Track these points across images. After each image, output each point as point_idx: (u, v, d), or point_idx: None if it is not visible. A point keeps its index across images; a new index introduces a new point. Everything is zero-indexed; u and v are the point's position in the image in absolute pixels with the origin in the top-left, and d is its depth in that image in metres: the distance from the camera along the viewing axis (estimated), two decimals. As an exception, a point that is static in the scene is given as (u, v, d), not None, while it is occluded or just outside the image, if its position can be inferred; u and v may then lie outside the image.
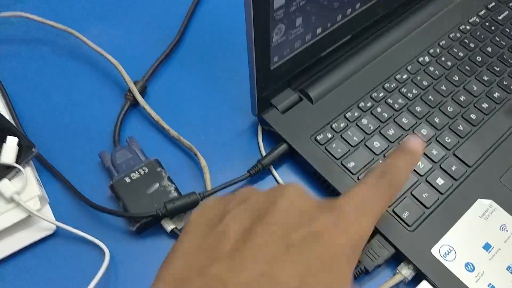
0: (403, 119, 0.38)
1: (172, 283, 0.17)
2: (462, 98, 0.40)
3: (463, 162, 0.36)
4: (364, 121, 0.38)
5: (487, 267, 0.31)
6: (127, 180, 0.33)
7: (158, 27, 0.46)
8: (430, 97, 0.40)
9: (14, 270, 0.32)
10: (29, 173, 0.34)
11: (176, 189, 0.34)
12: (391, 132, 0.38)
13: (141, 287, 0.31)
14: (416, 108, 0.39)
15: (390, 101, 0.40)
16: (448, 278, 0.31)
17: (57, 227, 0.33)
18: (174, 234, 0.33)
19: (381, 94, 0.40)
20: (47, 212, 0.34)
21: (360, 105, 0.39)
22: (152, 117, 0.38)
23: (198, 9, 0.48)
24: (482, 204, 0.34)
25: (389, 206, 0.33)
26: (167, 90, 0.42)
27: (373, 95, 0.40)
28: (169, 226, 0.33)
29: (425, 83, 0.41)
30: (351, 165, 0.35)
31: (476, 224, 0.33)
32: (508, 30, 0.45)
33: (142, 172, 0.34)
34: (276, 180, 0.37)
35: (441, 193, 0.35)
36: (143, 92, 0.40)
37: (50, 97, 0.41)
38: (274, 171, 0.37)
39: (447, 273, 0.31)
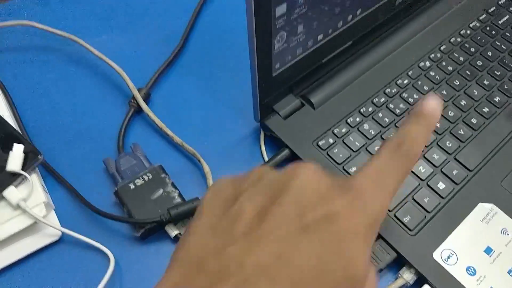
0: (404, 124, 0.39)
1: (188, 265, 0.16)
2: (463, 102, 0.40)
3: (464, 166, 0.37)
4: (366, 126, 0.39)
5: (488, 271, 0.32)
6: (132, 186, 0.34)
7: (161, 34, 0.46)
8: (431, 101, 0.40)
9: (20, 276, 0.32)
10: (35, 180, 0.34)
11: (180, 195, 0.34)
12: (392, 137, 0.38)
13: (146, 292, 0.31)
14: (417, 113, 0.40)
15: (391, 106, 0.40)
16: (449, 282, 0.31)
17: (63, 233, 0.33)
18: (177, 240, 0.33)
19: (382, 99, 0.40)
20: (53, 218, 0.34)
21: (362, 110, 0.39)
22: (156, 124, 0.39)
23: (201, 16, 0.48)
24: (483, 208, 0.35)
25: (390, 211, 0.34)
26: (171, 96, 0.42)
27: (374, 100, 0.40)
28: (173, 231, 0.33)
29: (426, 88, 0.41)
30: (353, 170, 0.36)
31: (477, 228, 0.34)
32: (509, 34, 0.46)
33: (146, 178, 0.34)
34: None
35: (442, 198, 0.35)
36: (147, 99, 0.41)
37: (55, 104, 0.41)
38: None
39: (449, 277, 0.31)
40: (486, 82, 0.42)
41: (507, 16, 0.47)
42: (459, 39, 0.45)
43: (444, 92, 0.41)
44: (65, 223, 0.34)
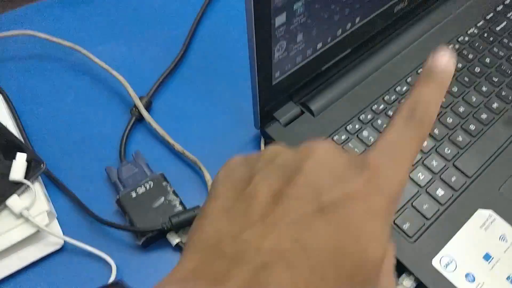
0: (403, 131, 0.39)
1: (204, 249, 0.16)
2: (461, 109, 0.41)
3: (463, 172, 0.37)
4: (365, 133, 0.39)
5: (487, 278, 0.32)
6: (133, 194, 0.34)
7: (162, 43, 0.47)
8: (429, 108, 0.41)
9: (22, 285, 0.33)
10: (37, 188, 0.34)
11: (181, 203, 0.34)
12: (391, 144, 0.38)
13: (148, 300, 0.32)
14: (416, 119, 0.40)
15: (390, 113, 0.40)
16: (449, 289, 0.31)
17: (65, 241, 0.34)
18: (179, 248, 0.34)
19: (382, 106, 0.41)
20: (55, 227, 0.34)
21: (361, 117, 0.40)
22: (158, 132, 0.39)
23: (201, 25, 0.49)
24: (482, 215, 0.35)
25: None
26: (172, 105, 0.43)
27: (373, 107, 0.40)
28: (174, 240, 0.33)
29: (424, 94, 0.42)
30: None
31: (476, 235, 0.34)
32: (506, 41, 0.46)
33: (148, 187, 0.35)
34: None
35: (441, 204, 0.35)
36: (148, 107, 0.41)
37: (58, 113, 0.42)
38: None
39: (448, 284, 0.31)
40: (484, 89, 0.42)
41: (505, 23, 0.48)
42: (457, 46, 0.46)
43: (442, 98, 0.41)
44: (68, 231, 0.34)
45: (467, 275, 0.32)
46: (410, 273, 0.32)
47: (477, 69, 0.44)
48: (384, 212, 0.17)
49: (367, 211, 0.16)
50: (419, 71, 0.43)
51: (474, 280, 0.32)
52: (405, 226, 0.34)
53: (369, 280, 0.16)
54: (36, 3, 0.49)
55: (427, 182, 0.36)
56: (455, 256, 0.33)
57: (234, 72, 0.44)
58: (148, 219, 0.33)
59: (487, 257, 0.33)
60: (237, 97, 0.43)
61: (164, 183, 0.35)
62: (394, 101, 0.41)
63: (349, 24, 0.39)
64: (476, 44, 0.46)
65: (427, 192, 0.36)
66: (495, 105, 0.41)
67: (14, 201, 0.33)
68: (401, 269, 0.32)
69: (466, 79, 0.43)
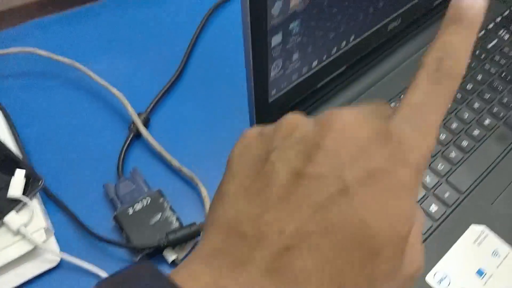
0: (397, 147, 0.40)
1: (225, 230, 0.16)
2: (454, 125, 0.42)
3: (456, 188, 0.38)
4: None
5: (480, 294, 0.32)
6: (130, 211, 0.35)
7: (161, 59, 0.47)
8: (423, 125, 0.41)
9: (20, 301, 0.33)
10: (35, 205, 0.35)
11: (178, 219, 0.35)
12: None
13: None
14: (410, 136, 0.41)
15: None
16: (443, 305, 0.32)
17: (62, 258, 0.34)
18: (175, 265, 0.34)
19: (376, 123, 0.41)
20: (52, 243, 0.35)
21: (356, 133, 0.40)
22: (155, 149, 0.39)
23: (199, 42, 0.49)
24: (475, 230, 0.36)
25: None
26: (170, 120, 0.43)
27: (368, 123, 0.41)
28: (170, 256, 0.34)
29: (418, 111, 0.42)
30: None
31: (469, 250, 0.34)
32: (498, 58, 0.47)
33: (145, 203, 0.35)
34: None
35: (434, 220, 0.36)
36: (146, 124, 0.41)
37: (56, 129, 0.42)
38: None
39: (442, 300, 0.32)
40: (476, 106, 0.43)
41: (496, 40, 0.49)
42: (449, 63, 0.47)
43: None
44: (65, 247, 0.35)
45: (460, 291, 0.32)
46: (404, 289, 0.32)
47: (469, 86, 0.45)
48: (410, 184, 0.16)
49: (392, 187, 0.15)
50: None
51: (467, 296, 0.32)
52: (400, 242, 0.34)
53: (395, 256, 0.15)
54: (36, 20, 0.50)
55: (421, 198, 0.37)
56: (449, 272, 0.33)
57: (231, 88, 0.45)
58: (145, 235, 0.33)
59: (480, 272, 0.33)
60: (235, 113, 0.43)
61: (161, 200, 0.35)
62: (388, 118, 0.42)
63: (344, 42, 0.40)
64: (468, 62, 0.47)
65: (421, 208, 0.36)
66: (487, 122, 0.42)
67: (12, 218, 0.33)
68: (395, 285, 0.33)
69: (459, 95, 0.44)
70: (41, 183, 0.35)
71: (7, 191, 0.34)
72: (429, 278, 0.33)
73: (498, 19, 0.51)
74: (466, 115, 0.42)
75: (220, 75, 0.46)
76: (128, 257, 0.35)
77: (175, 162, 0.38)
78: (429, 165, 0.39)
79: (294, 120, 0.18)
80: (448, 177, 0.38)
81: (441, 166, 0.39)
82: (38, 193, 0.36)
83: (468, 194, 0.37)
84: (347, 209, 0.15)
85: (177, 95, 0.45)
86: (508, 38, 0.49)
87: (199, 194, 0.38)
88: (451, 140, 0.41)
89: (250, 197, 0.16)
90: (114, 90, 0.42)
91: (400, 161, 0.16)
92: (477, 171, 0.39)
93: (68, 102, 0.44)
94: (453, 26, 0.17)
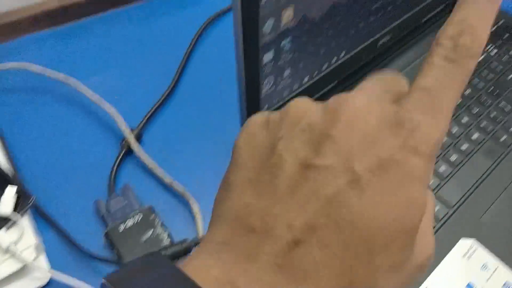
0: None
1: (233, 223, 0.15)
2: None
3: (445, 202, 0.38)
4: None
5: (470, 309, 0.33)
6: (122, 228, 0.34)
7: (154, 74, 0.48)
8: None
9: (9, 320, 0.32)
10: (26, 222, 0.34)
11: (169, 236, 0.35)
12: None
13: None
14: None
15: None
16: (433, 321, 0.32)
17: (52, 276, 0.33)
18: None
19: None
20: (43, 261, 0.34)
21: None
22: (147, 164, 0.39)
23: (193, 56, 0.50)
24: (464, 244, 0.36)
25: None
26: (163, 135, 0.43)
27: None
28: (163, 273, 0.33)
29: (407, 125, 0.43)
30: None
31: (459, 265, 0.35)
32: (485, 74, 0.48)
33: (136, 220, 0.35)
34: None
35: (425, 235, 0.36)
36: (139, 139, 0.42)
37: (48, 145, 0.42)
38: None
39: (433, 315, 0.32)
40: (464, 120, 0.44)
41: (484, 55, 0.50)
42: (438, 78, 0.47)
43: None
44: (55, 265, 0.34)
45: (450, 306, 0.33)
46: (395, 304, 0.33)
47: (458, 101, 0.45)
48: (422, 173, 0.15)
49: (403, 177, 0.15)
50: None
51: (457, 311, 0.33)
52: (390, 257, 0.34)
53: (405, 247, 0.15)
54: (29, 35, 0.50)
55: (411, 213, 0.37)
56: (439, 287, 0.33)
57: (224, 104, 0.45)
58: (136, 252, 0.33)
59: (469, 287, 0.34)
60: (228, 129, 0.43)
61: (153, 216, 0.35)
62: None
63: (335, 58, 0.41)
64: (456, 76, 0.47)
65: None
66: (475, 136, 0.43)
67: (2, 236, 0.33)
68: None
69: (447, 110, 0.44)
70: (32, 200, 0.35)
71: (-3, 208, 0.34)
72: (420, 293, 0.33)
73: (485, 34, 0.52)
74: (454, 130, 0.43)
75: (213, 90, 0.47)
76: (120, 274, 0.34)
77: (167, 178, 0.38)
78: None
79: (301, 106, 0.17)
80: (437, 192, 0.39)
81: (430, 180, 0.39)
82: (28, 210, 0.36)
83: (457, 208, 0.38)
84: (357, 202, 0.15)
85: (170, 110, 0.45)
86: (495, 53, 0.50)
87: (191, 210, 0.38)
88: (440, 154, 0.41)
89: (257, 189, 0.16)
90: (107, 105, 0.42)
91: (412, 149, 0.15)
92: (466, 185, 0.39)
93: (60, 117, 0.44)
94: (472, 2, 0.16)
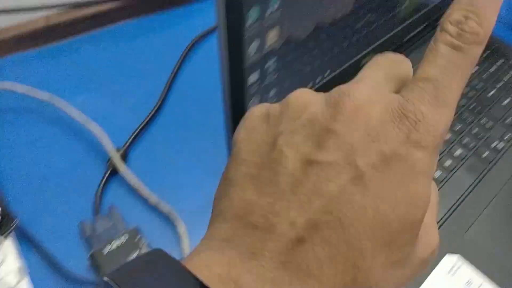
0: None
1: (234, 220, 0.15)
2: (426, 156, 0.43)
3: (430, 219, 0.39)
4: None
5: (455, 326, 0.33)
6: (107, 250, 0.34)
7: (140, 93, 0.48)
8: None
9: None
10: (9, 245, 0.34)
11: (156, 256, 0.34)
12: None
13: None
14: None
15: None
16: (419, 339, 0.32)
17: (36, 299, 0.33)
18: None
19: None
20: (26, 285, 0.34)
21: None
22: (133, 184, 0.39)
23: (179, 75, 0.50)
24: (449, 260, 0.36)
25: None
26: (149, 155, 0.43)
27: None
28: (149, 295, 0.33)
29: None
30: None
31: (444, 281, 0.35)
32: (467, 91, 0.49)
33: (122, 242, 0.35)
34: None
35: (410, 252, 0.36)
36: (125, 158, 0.41)
37: (32, 166, 0.41)
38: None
39: (419, 333, 0.32)
40: (446, 137, 0.45)
41: (464, 72, 0.51)
42: (421, 95, 0.48)
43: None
44: (39, 288, 0.34)
45: (436, 324, 0.33)
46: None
47: (440, 117, 0.46)
48: (426, 167, 0.15)
49: (407, 172, 0.15)
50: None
51: (443, 328, 0.33)
52: (377, 275, 0.35)
53: (409, 242, 0.15)
54: (13, 55, 0.50)
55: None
56: (425, 304, 0.34)
57: (211, 123, 0.45)
58: (123, 274, 0.33)
59: (455, 304, 0.34)
60: (213, 148, 0.43)
61: (138, 237, 0.35)
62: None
63: (320, 77, 0.42)
64: (439, 93, 0.48)
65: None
66: (457, 153, 0.43)
67: (-16, 260, 0.32)
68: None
69: (430, 127, 0.45)
70: (15, 222, 0.34)
71: (-21, 231, 0.33)
72: (406, 311, 0.33)
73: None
74: (438, 146, 0.44)
75: (199, 109, 0.47)
76: (105, 297, 0.34)
77: (153, 198, 0.38)
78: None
79: (302, 99, 0.17)
80: (422, 208, 0.39)
81: (415, 197, 0.40)
82: (12, 232, 0.35)
83: (442, 225, 0.38)
84: (360, 198, 0.14)
85: (157, 129, 0.45)
86: (476, 71, 0.51)
87: (177, 231, 0.37)
88: (424, 171, 0.42)
89: (259, 186, 0.15)
90: (92, 125, 0.42)
91: (416, 142, 0.15)
92: (450, 201, 0.40)
93: (45, 137, 0.44)
94: None
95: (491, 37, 0.16)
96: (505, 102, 0.48)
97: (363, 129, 0.15)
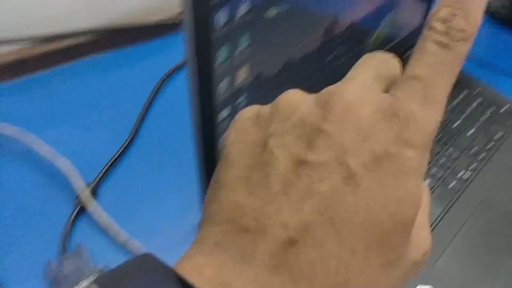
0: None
1: (225, 223, 0.15)
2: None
3: (401, 250, 0.39)
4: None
5: None
6: (74, 292, 0.33)
7: (112, 127, 0.47)
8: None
9: None
10: (-32, 290, 0.32)
11: (125, 297, 0.33)
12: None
13: None
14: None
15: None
16: None
17: None
18: None
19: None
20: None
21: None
22: (102, 222, 0.38)
23: (152, 108, 0.50)
24: (420, 292, 0.37)
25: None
26: (119, 191, 0.42)
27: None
28: None
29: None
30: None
31: (416, 313, 0.35)
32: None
33: (90, 282, 0.34)
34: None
35: (382, 284, 0.37)
36: (95, 194, 0.41)
37: (-3, 204, 0.40)
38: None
39: None
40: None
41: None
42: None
43: None
44: (0, 335, 0.32)
45: None
46: None
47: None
48: (417, 165, 0.15)
49: (398, 170, 0.15)
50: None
51: None
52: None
53: (401, 243, 0.15)
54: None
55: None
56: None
57: (182, 157, 0.45)
58: (89, 318, 0.32)
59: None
60: (185, 183, 0.43)
61: (108, 277, 0.34)
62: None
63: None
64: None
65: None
66: (425, 183, 0.44)
67: None
68: None
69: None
70: (-24, 265, 0.33)
71: None
72: None
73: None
74: (407, 177, 0.45)
75: (171, 144, 0.47)
76: None
77: (122, 237, 0.37)
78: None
79: (292, 100, 0.17)
80: (393, 239, 0.40)
81: (386, 228, 0.40)
82: (-28, 275, 0.34)
83: (412, 255, 0.39)
84: (352, 198, 0.14)
85: (128, 164, 0.45)
86: (441, 102, 0.53)
87: (147, 268, 0.37)
88: (395, 202, 0.43)
89: (250, 188, 0.15)
90: (61, 161, 0.41)
91: (407, 142, 0.15)
92: (420, 232, 0.41)
93: (11, 174, 0.42)
94: None
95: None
96: (470, 132, 0.50)
97: (354, 128, 0.15)
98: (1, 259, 0.36)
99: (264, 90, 0.37)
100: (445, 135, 0.49)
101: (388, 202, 0.14)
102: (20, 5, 0.49)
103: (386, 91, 0.17)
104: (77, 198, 0.40)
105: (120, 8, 0.54)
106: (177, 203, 0.42)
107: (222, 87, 0.33)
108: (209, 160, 0.35)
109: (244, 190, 0.15)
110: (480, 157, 0.47)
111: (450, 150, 0.48)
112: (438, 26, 0.16)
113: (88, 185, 0.41)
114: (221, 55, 0.31)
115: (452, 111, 0.52)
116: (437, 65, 0.16)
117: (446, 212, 0.42)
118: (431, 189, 0.44)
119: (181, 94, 0.52)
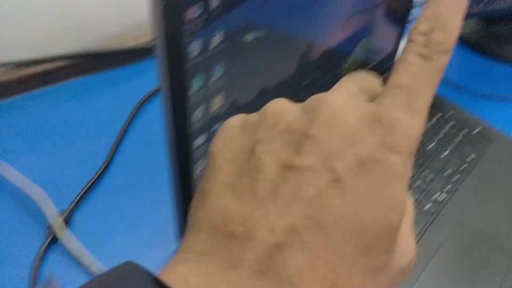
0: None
1: (211, 229, 0.15)
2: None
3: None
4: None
5: None
6: (43, 327, 0.32)
7: (86, 154, 0.47)
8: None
9: None
10: None
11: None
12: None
13: None
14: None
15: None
16: None
17: None
18: None
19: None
20: None
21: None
22: (74, 253, 0.37)
23: (126, 137, 0.49)
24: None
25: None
26: (93, 220, 0.42)
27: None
28: None
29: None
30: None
31: None
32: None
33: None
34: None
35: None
36: (67, 223, 0.40)
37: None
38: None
39: None
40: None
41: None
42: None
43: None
44: None
45: None
46: None
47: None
48: (401, 171, 0.15)
49: (383, 176, 0.15)
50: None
51: None
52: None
53: (387, 248, 0.15)
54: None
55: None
56: None
57: (158, 185, 0.45)
58: None
59: None
60: (162, 212, 0.43)
61: (79, 310, 0.33)
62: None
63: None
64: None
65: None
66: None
67: None
68: None
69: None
70: None
71: None
72: None
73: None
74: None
75: (147, 171, 0.46)
76: None
77: (95, 267, 0.37)
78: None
79: (279, 107, 0.17)
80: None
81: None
82: None
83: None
84: (339, 203, 0.14)
85: (102, 192, 0.44)
86: (416, 124, 0.54)
87: (121, 300, 0.36)
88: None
89: (237, 194, 0.15)
90: (33, 188, 0.40)
91: (392, 147, 0.15)
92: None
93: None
94: None
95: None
96: (444, 154, 0.51)
97: (340, 134, 0.15)
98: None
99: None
100: (420, 158, 0.50)
101: (373, 206, 0.15)
102: (-4, 30, 0.49)
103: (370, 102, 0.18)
104: (49, 227, 0.39)
105: (96, 33, 0.54)
106: (152, 232, 0.41)
107: (197, 115, 0.33)
108: (185, 187, 0.35)
109: (232, 196, 0.15)
110: (455, 178, 0.48)
111: (425, 172, 0.49)
112: (419, 38, 0.17)
113: (61, 214, 0.40)
114: (195, 84, 0.31)
115: (426, 134, 0.53)
116: (419, 75, 0.16)
117: (422, 235, 0.43)
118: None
119: (157, 119, 0.52)
